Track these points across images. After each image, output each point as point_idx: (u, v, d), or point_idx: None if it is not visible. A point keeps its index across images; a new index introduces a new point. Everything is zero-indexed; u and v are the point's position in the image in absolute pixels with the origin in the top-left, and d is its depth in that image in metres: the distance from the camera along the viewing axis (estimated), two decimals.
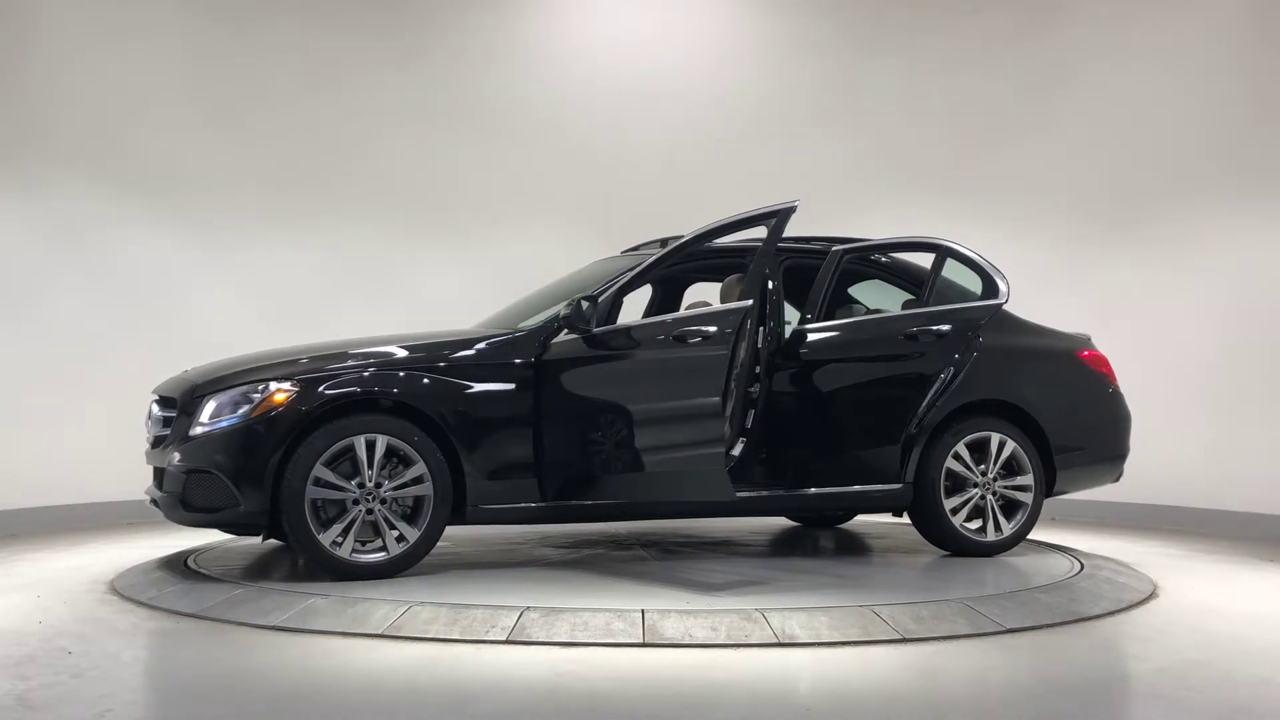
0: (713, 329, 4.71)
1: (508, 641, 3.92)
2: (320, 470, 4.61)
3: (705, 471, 4.59)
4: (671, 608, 4.19)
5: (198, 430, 4.74)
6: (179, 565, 5.20)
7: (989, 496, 5.56)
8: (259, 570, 5.04)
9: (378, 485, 4.68)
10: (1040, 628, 4.26)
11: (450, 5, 8.78)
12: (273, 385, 4.69)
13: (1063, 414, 5.71)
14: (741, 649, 3.88)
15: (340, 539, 4.64)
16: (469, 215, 8.72)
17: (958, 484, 5.54)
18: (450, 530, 6.43)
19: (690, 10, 9.07)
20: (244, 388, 4.74)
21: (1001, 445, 5.56)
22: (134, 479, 6.48)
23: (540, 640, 3.92)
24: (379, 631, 4.03)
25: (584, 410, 4.89)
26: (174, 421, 4.86)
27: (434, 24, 8.74)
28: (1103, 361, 5.98)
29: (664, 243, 5.70)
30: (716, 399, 4.56)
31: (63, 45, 7.66)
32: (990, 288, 5.65)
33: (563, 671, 3.59)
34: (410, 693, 3.40)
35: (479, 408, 4.86)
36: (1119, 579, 5.20)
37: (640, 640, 3.92)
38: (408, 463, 4.74)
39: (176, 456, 4.77)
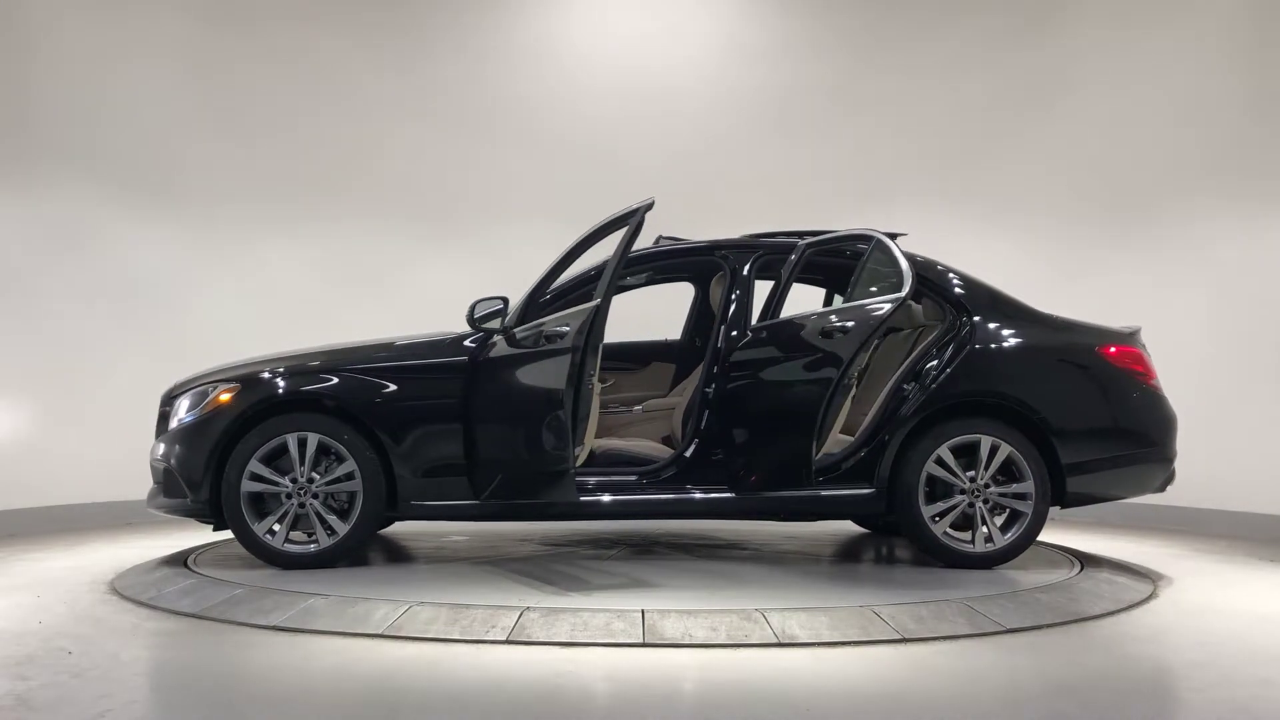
0: (566, 329, 4.78)
1: (508, 641, 3.92)
2: (255, 465, 4.95)
3: (551, 472, 4.68)
4: (671, 608, 4.20)
5: (172, 426, 5.18)
6: (179, 565, 5.20)
7: (979, 505, 5.14)
8: (259, 570, 5.04)
9: (310, 480, 4.97)
10: (1040, 628, 4.26)
11: (451, 6, 8.77)
12: (221, 386, 5.10)
13: (1074, 414, 5.24)
14: (741, 649, 3.88)
15: (274, 530, 4.99)
16: (470, 215, 8.72)
17: (947, 490, 5.18)
18: (450, 530, 6.46)
19: (691, 10, 9.07)
20: (203, 389, 5.16)
21: (994, 449, 5.13)
22: (134, 479, 6.47)
23: (540, 640, 3.92)
24: (379, 631, 4.03)
25: (500, 411, 4.95)
26: (161, 419, 5.34)
27: (435, 25, 8.73)
28: (1134, 358, 5.41)
29: (658, 240, 5.82)
30: (559, 401, 4.63)
31: (64, 46, 7.67)
32: (898, 283, 4.95)
33: (563, 671, 3.59)
34: (410, 693, 3.41)
35: (408, 408, 5.05)
36: (1119, 579, 5.20)
37: (640, 640, 3.92)
38: (342, 460, 4.99)
39: (159, 450, 5.21)
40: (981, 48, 8.56)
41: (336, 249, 8.53)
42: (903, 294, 4.83)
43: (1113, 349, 5.40)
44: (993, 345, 5.31)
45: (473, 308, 5.00)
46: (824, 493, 5.14)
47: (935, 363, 5.25)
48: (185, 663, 3.85)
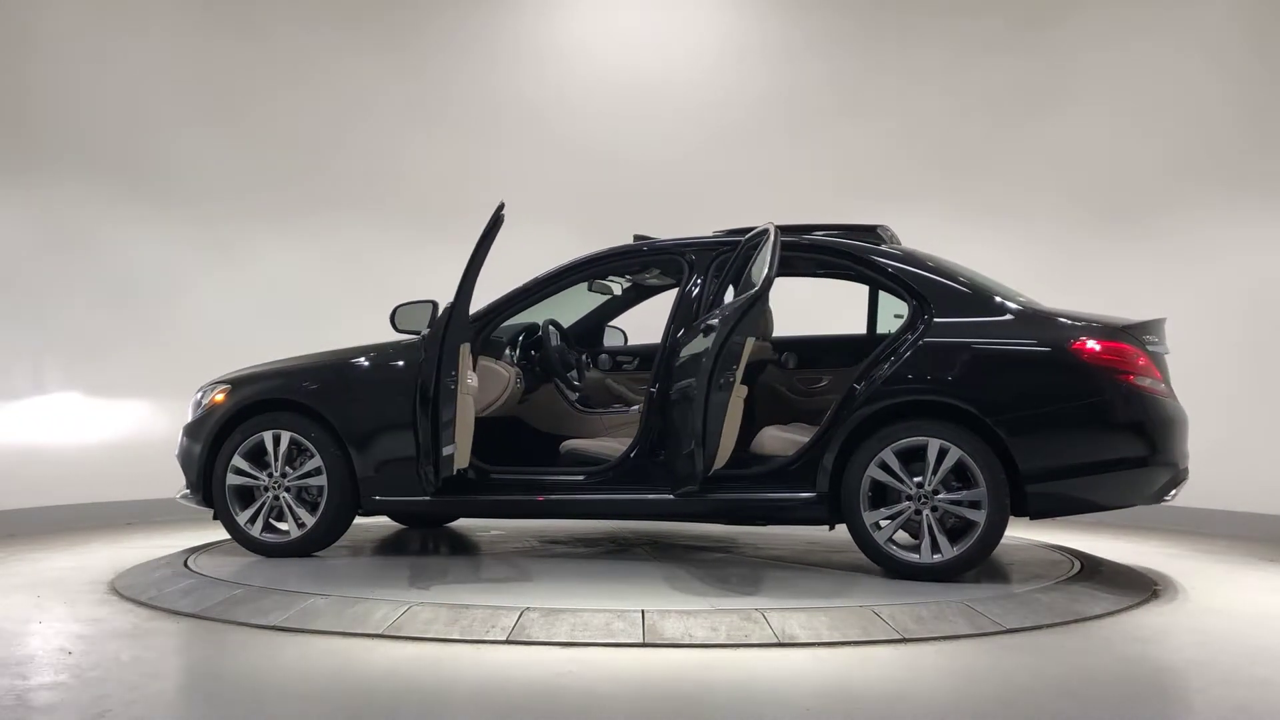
0: (426, 331, 5.05)
1: (508, 641, 3.92)
2: (237, 460, 5.33)
3: (423, 470, 4.94)
4: (671, 608, 4.20)
5: (188, 422, 5.59)
6: (179, 565, 5.20)
7: (926, 512, 4.77)
8: (259, 570, 5.05)
9: (284, 475, 5.31)
10: (1040, 628, 4.26)
11: (451, 6, 8.77)
12: (218, 387, 5.52)
13: (1035, 417, 4.78)
14: (741, 649, 3.88)
15: (253, 519, 5.32)
16: (472, 215, 8.68)
17: (897, 496, 4.84)
18: (453, 529, 6.45)
19: (692, 12, 9.07)
20: (206, 389, 5.59)
21: (943, 453, 4.74)
22: (134, 479, 6.48)
23: (540, 640, 3.93)
24: (379, 631, 4.04)
25: (411, 412, 5.07)
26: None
27: (435, 24, 8.73)
28: (1119, 355, 4.83)
29: (637, 237, 5.79)
30: (416, 402, 4.86)
31: (63, 45, 7.66)
32: (758, 281, 4.74)
33: (563, 671, 3.60)
34: (410, 693, 3.41)
35: (366, 408, 5.29)
36: (1119, 579, 5.20)
37: (640, 640, 3.93)
38: (312, 456, 5.30)
39: (179, 445, 5.61)
40: (981, 49, 8.56)
41: (337, 249, 8.53)
42: (753, 292, 4.62)
43: (1090, 345, 4.83)
44: (944, 341, 4.92)
45: (394, 312, 5.25)
46: (765, 496, 5.01)
47: (887, 361, 4.94)
48: (185, 663, 3.85)
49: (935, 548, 4.77)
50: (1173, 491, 5.01)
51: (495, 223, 5.04)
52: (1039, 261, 8.14)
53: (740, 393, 4.85)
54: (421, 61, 8.71)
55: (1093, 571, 5.26)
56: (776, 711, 3.23)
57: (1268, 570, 5.84)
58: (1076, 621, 4.37)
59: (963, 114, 8.57)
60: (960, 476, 4.78)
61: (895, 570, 4.85)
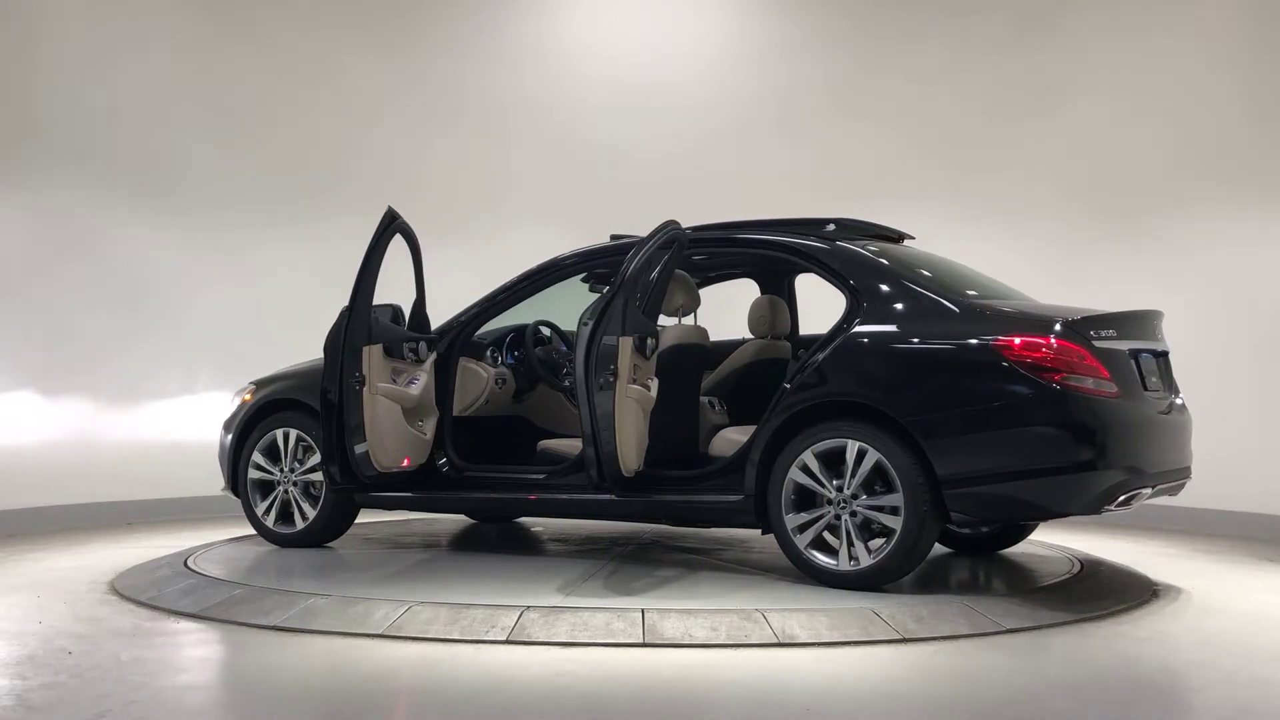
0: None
1: (508, 641, 3.93)
2: (256, 456, 5.69)
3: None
4: (671, 608, 4.20)
5: (225, 419, 5.91)
6: (179, 565, 5.20)
7: (845, 517, 4.53)
8: (259, 570, 5.05)
9: (292, 470, 5.62)
10: (1040, 628, 4.26)
11: (452, 6, 8.78)
12: (248, 387, 5.87)
13: (954, 419, 4.45)
14: (741, 649, 3.88)
15: (268, 511, 5.66)
16: (470, 214, 8.71)
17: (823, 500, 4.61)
18: (454, 529, 6.46)
19: (692, 10, 9.07)
20: (240, 390, 5.89)
21: (861, 455, 4.49)
22: (134, 479, 6.47)
23: (540, 640, 3.93)
24: (379, 631, 4.04)
25: None
26: None
27: (436, 24, 8.74)
28: (1046, 353, 4.42)
29: (614, 237, 5.73)
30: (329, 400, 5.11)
31: (63, 45, 7.67)
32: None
33: (563, 671, 3.60)
34: (410, 693, 3.41)
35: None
36: (1119, 579, 5.20)
37: (640, 640, 3.93)
38: (314, 452, 5.54)
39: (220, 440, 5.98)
40: (982, 48, 8.56)
41: (337, 249, 8.49)
42: (606, 292, 4.64)
43: (1016, 342, 4.45)
44: (864, 340, 4.69)
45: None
46: (699, 498, 4.91)
47: (813, 359, 4.71)
48: (185, 663, 3.85)
49: (853, 555, 4.53)
50: (1122, 497, 4.55)
51: (385, 227, 5.28)
52: (1042, 258, 8.15)
53: (631, 393, 4.67)
54: (423, 64, 8.71)
55: (1093, 571, 5.26)
56: (776, 712, 3.23)
57: (1268, 570, 5.84)
58: (1076, 621, 4.37)
59: (964, 111, 8.57)
60: (885, 481, 4.52)
61: (815, 577, 4.62)
